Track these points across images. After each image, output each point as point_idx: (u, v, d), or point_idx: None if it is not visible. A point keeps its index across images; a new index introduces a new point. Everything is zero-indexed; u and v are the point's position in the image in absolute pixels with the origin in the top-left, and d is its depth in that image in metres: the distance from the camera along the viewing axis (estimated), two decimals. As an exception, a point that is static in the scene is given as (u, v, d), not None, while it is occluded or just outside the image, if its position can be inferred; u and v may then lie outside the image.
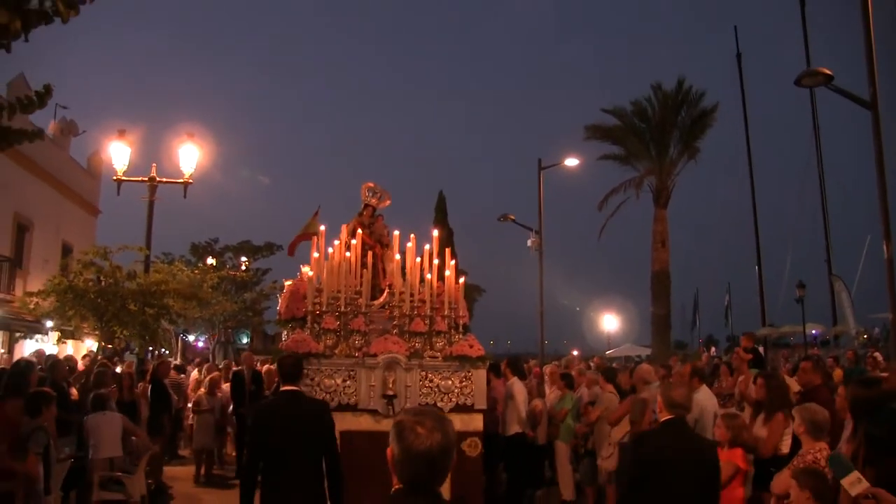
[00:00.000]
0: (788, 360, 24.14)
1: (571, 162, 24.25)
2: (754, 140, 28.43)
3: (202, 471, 11.52)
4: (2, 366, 9.72)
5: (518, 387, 9.68)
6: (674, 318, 27.67)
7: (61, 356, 18.69)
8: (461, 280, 8.20)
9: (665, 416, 4.06)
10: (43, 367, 12.57)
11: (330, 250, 8.05)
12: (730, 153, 48.53)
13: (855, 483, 3.15)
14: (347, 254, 7.92)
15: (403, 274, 8.05)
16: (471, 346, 7.78)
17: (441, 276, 8.11)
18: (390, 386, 7.42)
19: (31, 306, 11.33)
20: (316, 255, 7.98)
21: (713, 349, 40.33)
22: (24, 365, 7.48)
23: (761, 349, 27.39)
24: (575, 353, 32.83)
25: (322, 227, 8.41)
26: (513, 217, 25.47)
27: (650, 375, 8.29)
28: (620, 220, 27.41)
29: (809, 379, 6.92)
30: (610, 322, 47.42)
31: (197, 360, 24.54)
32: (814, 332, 29.34)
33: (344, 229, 8.41)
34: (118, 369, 12.32)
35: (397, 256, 8.12)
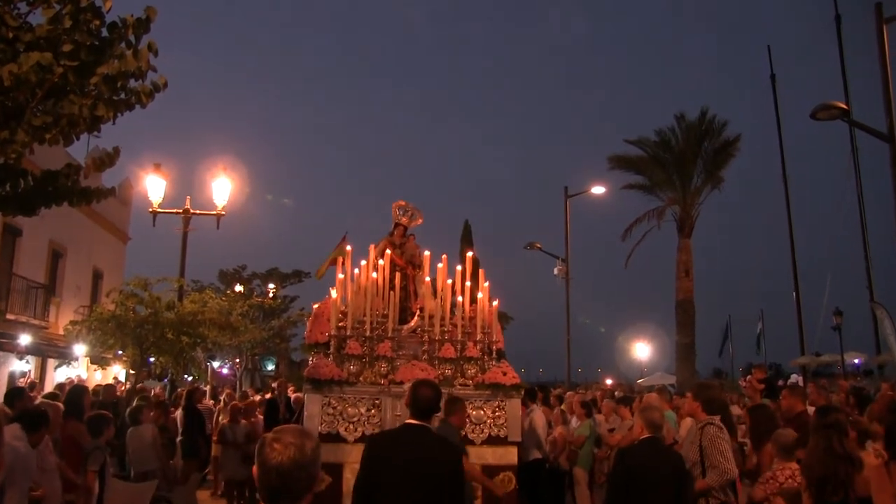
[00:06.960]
0: (828, 389, 23.47)
1: (598, 190, 24.27)
2: (789, 162, 27.22)
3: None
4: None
5: (537, 414, 9.69)
6: (709, 346, 27.35)
7: (91, 383, 18.98)
8: (494, 303, 7.77)
9: (644, 434, 4.80)
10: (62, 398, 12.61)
11: (356, 271, 7.69)
12: (762, 178, 47.81)
13: None
14: (374, 275, 7.50)
15: (434, 296, 7.60)
16: (504, 374, 7.32)
17: (473, 299, 7.69)
18: (417, 416, 7.07)
19: (75, 334, 11.66)
20: (341, 276, 7.49)
21: (748, 378, 39.50)
22: (80, 389, 8.04)
23: (801, 379, 26.71)
24: (609, 381, 32.54)
25: (349, 248, 8.02)
26: (539, 245, 25.42)
27: (657, 403, 8.32)
28: (649, 248, 27.24)
29: (790, 405, 6.91)
30: (642, 350, 46.78)
31: (227, 388, 24.51)
32: (856, 361, 28.43)
33: (372, 250, 7.85)
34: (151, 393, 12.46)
35: (427, 278, 7.68)
